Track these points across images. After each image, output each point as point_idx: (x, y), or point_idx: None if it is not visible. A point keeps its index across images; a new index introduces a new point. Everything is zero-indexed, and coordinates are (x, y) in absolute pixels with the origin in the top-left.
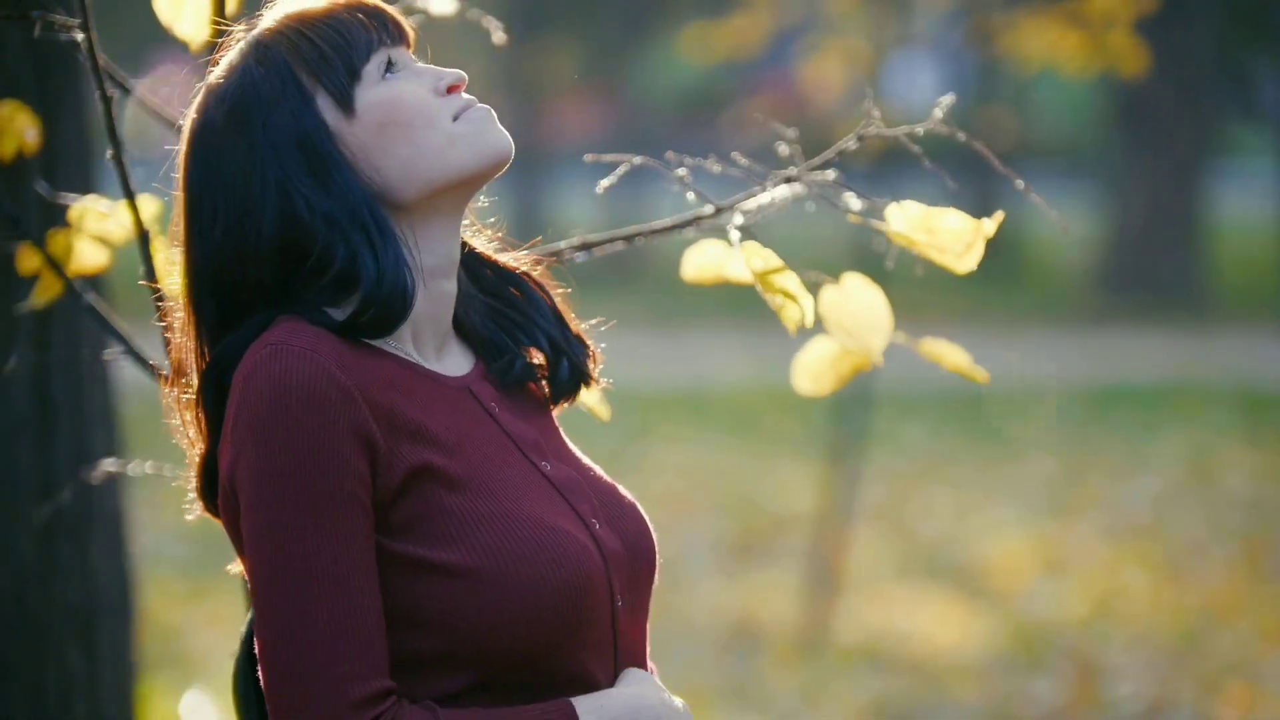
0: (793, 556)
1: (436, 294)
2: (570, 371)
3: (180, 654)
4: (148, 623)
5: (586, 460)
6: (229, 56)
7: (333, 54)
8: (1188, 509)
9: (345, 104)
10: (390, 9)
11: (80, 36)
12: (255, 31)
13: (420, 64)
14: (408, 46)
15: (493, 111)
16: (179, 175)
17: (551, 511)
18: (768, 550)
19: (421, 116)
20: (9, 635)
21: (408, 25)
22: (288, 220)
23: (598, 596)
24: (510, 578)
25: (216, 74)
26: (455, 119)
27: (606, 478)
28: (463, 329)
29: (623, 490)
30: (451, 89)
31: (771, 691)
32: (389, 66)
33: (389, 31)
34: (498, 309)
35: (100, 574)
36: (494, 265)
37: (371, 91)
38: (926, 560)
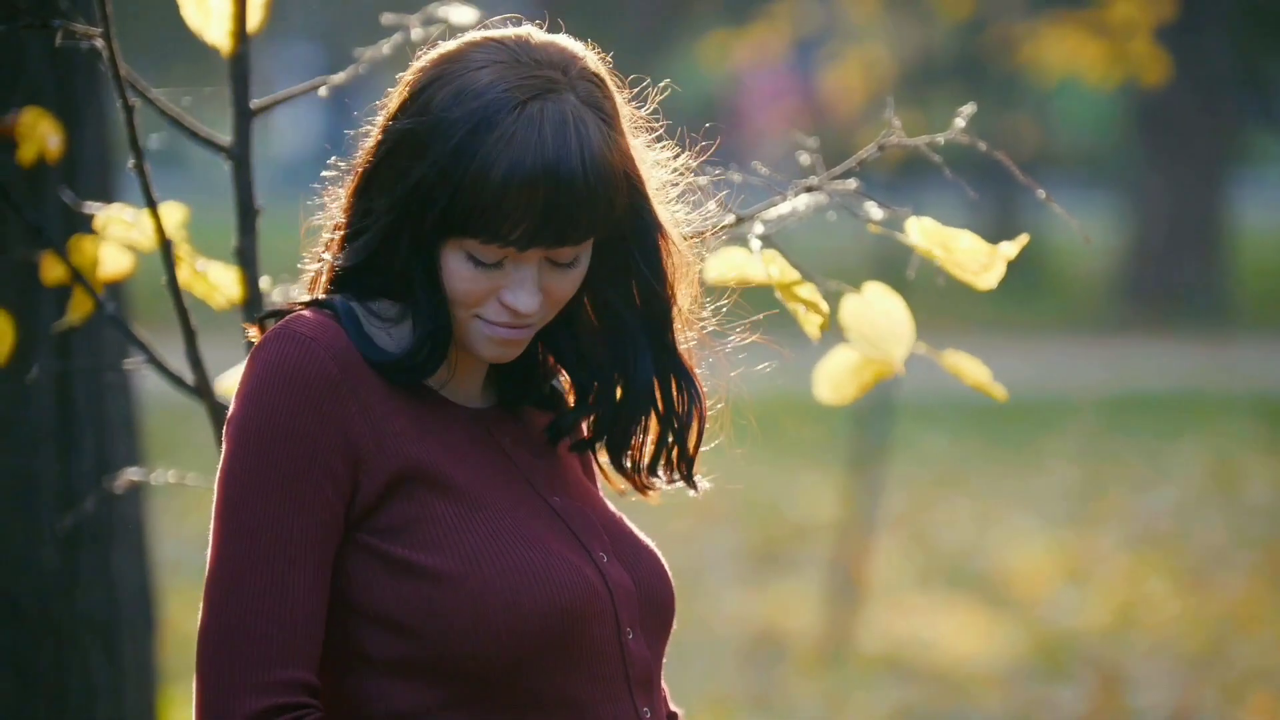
0: (814, 565)
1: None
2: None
3: None
4: (170, 632)
5: (615, 510)
6: (479, 56)
7: (476, 205)
8: (1209, 517)
9: (442, 233)
10: (576, 211)
11: (101, 45)
12: (525, 90)
13: (529, 269)
14: (565, 246)
15: (501, 338)
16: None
17: (549, 536)
18: (789, 559)
19: (458, 297)
20: (32, 644)
21: (581, 225)
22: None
23: (595, 624)
24: (489, 587)
25: (451, 57)
26: (476, 315)
27: (633, 528)
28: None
29: (648, 541)
30: (508, 306)
31: (794, 700)
32: (494, 263)
33: (543, 229)
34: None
35: (122, 583)
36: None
37: (453, 254)
38: (948, 569)
